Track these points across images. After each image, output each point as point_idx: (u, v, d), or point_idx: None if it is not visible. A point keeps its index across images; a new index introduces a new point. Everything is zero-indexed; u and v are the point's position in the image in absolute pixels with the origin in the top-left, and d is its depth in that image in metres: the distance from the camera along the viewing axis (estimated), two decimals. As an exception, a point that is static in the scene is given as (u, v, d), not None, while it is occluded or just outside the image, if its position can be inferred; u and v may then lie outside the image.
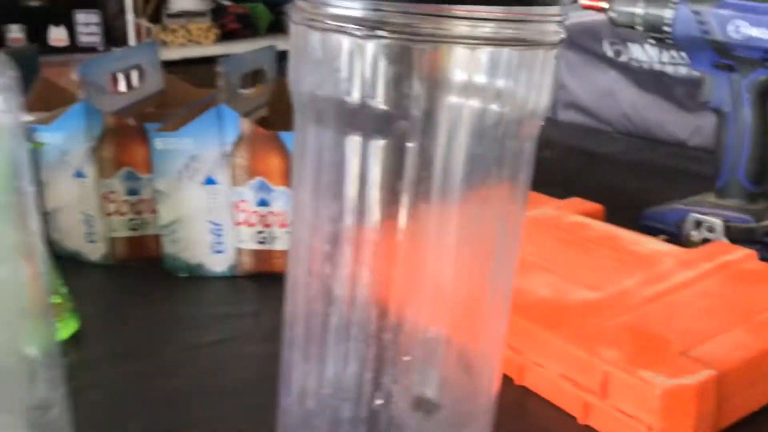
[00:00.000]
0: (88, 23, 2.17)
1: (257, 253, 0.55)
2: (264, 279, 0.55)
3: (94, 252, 0.58)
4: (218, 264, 0.55)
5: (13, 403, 0.28)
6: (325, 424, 0.26)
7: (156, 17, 2.39)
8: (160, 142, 0.53)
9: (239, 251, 0.55)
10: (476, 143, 0.23)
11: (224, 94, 0.54)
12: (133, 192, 0.57)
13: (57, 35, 2.16)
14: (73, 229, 0.58)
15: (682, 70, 0.78)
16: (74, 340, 0.47)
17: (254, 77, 0.64)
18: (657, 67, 0.80)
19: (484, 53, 0.22)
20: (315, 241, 0.25)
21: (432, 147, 0.23)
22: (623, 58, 0.84)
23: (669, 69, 0.79)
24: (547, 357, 0.38)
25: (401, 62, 0.22)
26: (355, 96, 0.22)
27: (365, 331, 0.25)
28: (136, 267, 0.58)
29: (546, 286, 0.43)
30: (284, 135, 0.53)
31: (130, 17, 2.21)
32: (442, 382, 0.26)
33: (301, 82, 0.24)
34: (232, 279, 0.55)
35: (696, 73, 0.77)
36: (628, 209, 0.61)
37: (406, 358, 0.25)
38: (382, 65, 0.22)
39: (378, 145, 0.23)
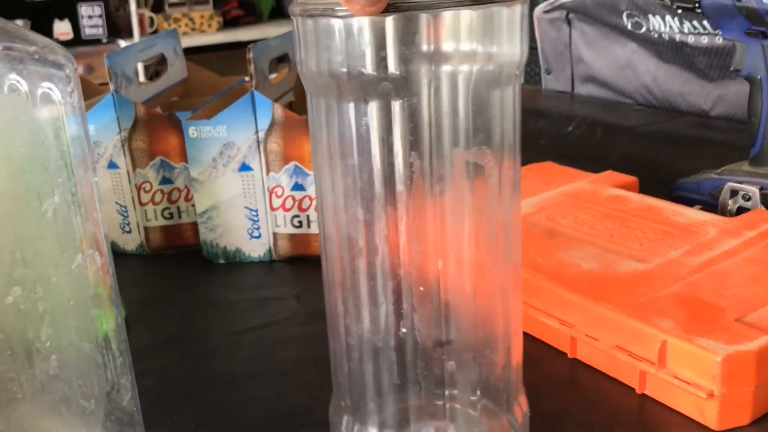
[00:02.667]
0: (91, 15, 2.16)
1: (293, 237, 0.55)
2: (301, 262, 0.55)
3: (130, 242, 0.59)
4: (255, 249, 0.56)
5: (93, 390, 0.28)
6: (365, 356, 0.30)
7: (158, 6, 2.38)
8: (193, 131, 0.53)
9: (276, 236, 0.55)
10: (455, 95, 0.26)
11: (255, 81, 0.54)
12: (166, 181, 0.57)
13: (61, 29, 2.15)
14: (108, 221, 0.58)
15: (704, 40, 0.78)
16: (121, 329, 0.48)
17: (274, 63, 0.64)
18: (678, 37, 0.80)
19: (445, 17, 0.25)
20: (333, 198, 0.28)
21: (414, 104, 0.26)
22: (642, 30, 0.83)
23: (690, 39, 0.79)
24: (600, 329, 0.39)
25: (380, 33, 0.25)
26: (347, 68, 0.26)
27: (383, 270, 0.28)
28: (172, 255, 0.58)
29: (591, 259, 0.43)
30: (317, 118, 0.53)
31: (132, 7, 2.20)
32: (456, 309, 0.29)
33: (306, 63, 0.28)
34: (269, 264, 0.56)
35: (718, 43, 0.77)
36: (658, 180, 0.61)
37: (420, 289, 0.28)
38: (365, 37, 0.25)
39: (371, 107, 0.26)
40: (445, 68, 0.25)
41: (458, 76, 0.25)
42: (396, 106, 0.25)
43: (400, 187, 0.26)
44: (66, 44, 2.22)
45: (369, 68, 0.25)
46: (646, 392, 0.37)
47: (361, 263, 0.28)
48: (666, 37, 0.81)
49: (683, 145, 0.74)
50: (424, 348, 0.28)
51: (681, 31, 0.79)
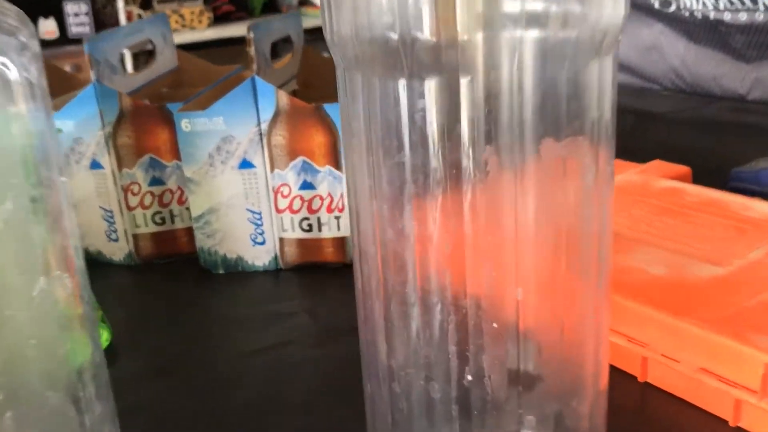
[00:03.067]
0: (77, 13, 2.09)
1: (303, 243, 0.49)
2: (312, 271, 0.49)
3: (117, 252, 0.52)
4: (259, 257, 0.49)
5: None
6: (415, 408, 0.23)
7: (146, 3, 2.31)
8: (186, 124, 0.47)
9: (282, 241, 0.49)
10: (540, 72, 0.19)
11: (256, 65, 0.47)
12: (157, 182, 0.51)
13: (47, 27, 2.08)
14: (92, 227, 0.52)
15: (743, 17, 0.71)
16: (107, 354, 0.41)
17: (276, 49, 0.57)
18: (713, 15, 0.74)
19: None
20: (374, 206, 0.22)
21: (490, 81, 0.19)
22: (671, 9, 0.77)
23: (727, 16, 0.72)
24: (680, 348, 0.32)
25: None
26: (398, 32, 0.19)
27: (443, 299, 0.22)
28: (165, 266, 0.52)
29: (657, 263, 0.37)
30: (328, 107, 0.46)
31: (120, 4, 2.13)
32: (538, 351, 0.22)
33: (338, 28, 0.21)
34: (276, 273, 0.49)
35: (759, 20, 0.71)
36: (704, 170, 0.55)
37: (494, 326, 0.21)
38: None
39: (430, 85, 0.19)
40: (534, 34, 0.19)
41: (551, 44, 0.19)
42: (465, 84, 0.19)
43: (468, 192, 0.20)
44: (52, 43, 2.15)
45: (428, 33, 0.19)
46: (741, 425, 0.31)
47: (411, 291, 0.21)
48: (698, 15, 0.74)
49: (723, 132, 0.68)
50: (496, 400, 0.22)
51: (716, 8, 0.73)
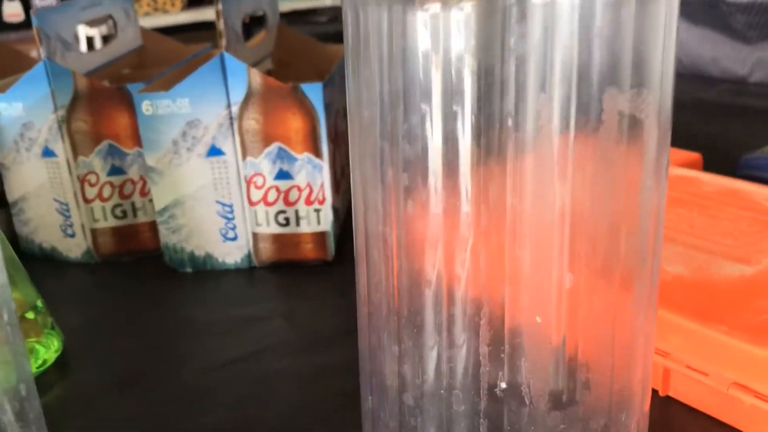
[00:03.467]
0: (44, -5, 2.01)
1: (278, 238, 0.44)
2: (289, 270, 0.45)
3: (74, 248, 0.47)
4: (231, 254, 0.45)
5: None
6: (431, 425, 0.19)
7: (117, -14, 2.23)
8: (148, 106, 0.42)
9: (256, 237, 0.44)
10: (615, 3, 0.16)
11: (226, 40, 0.42)
12: (116, 171, 0.46)
13: (11, 10, 1.99)
14: (46, 222, 0.47)
15: (745, -5, 0.68)
16: (59, 365, 0.36)
17: (250, 31, 0.53)
18: (713, -8, 0.70)
19: None
20: (390, 174, 0.18)
21: (547, 5, 0.15)
22: (668, -13, 0.73)
23: (728, -6, 0.69)
24: (709, 359, 0.28)
25: None
26: None
27: (474, 288, 0.18)
28: (127, 264, 0.47)
29: (675, 261, 0.33)
30: (307, 88, 0.42)
31: (89, -14, 2.05)
32: (587, 354, 0.19)
33: None
34: (249, 272, 0.45)
35: (762, -3, 0.67)
36: (711, 157, 0.52)
37: (537, 320, 0.18)
38: None
39: (468, 10, 0.15)
40: None
41: None
42: (514, 7, 0.15)
43: (512, 154, 0.15)
44: (17, 27, 2.07)
45: None
46: (782, 448, 0.27)
47: (433, 278, 0.17)
48: (698, -7, 0.71)
49: (725, 116, 0.64)
50: (535, 413, 0.18)
51: (717, -15, 0.69)
